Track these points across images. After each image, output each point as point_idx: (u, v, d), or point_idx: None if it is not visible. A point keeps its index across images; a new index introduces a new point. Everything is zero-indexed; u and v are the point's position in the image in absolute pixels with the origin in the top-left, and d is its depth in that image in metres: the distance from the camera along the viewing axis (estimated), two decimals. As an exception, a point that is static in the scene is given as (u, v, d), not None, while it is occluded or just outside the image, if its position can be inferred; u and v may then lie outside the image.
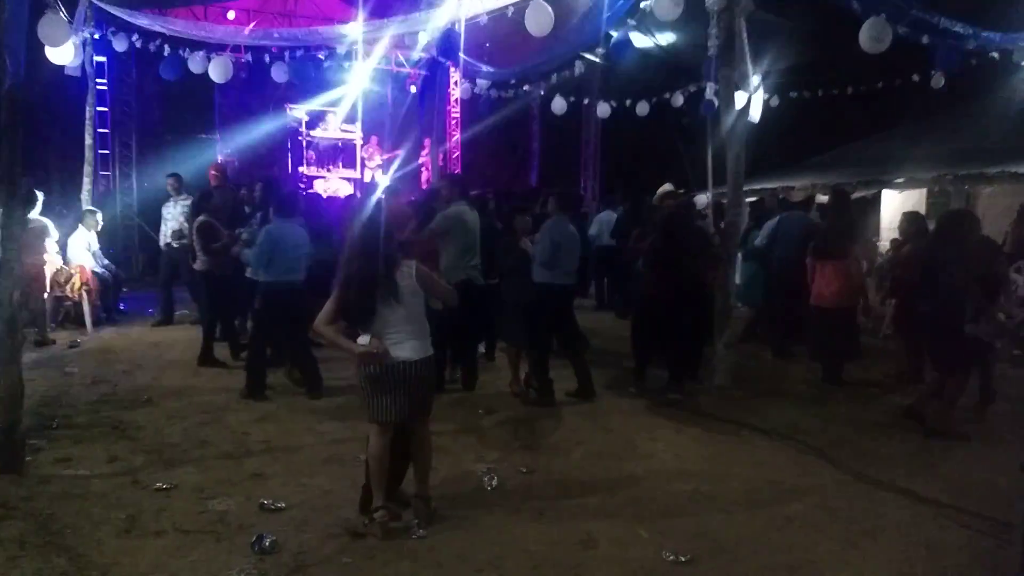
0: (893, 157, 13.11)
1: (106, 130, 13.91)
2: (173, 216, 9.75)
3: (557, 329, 6.91)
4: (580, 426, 6.05)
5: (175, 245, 9.52)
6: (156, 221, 12.19)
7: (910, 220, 7.55)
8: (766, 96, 13.19)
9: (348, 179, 17.46)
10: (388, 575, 3.67)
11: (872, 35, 7.19)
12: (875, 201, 12.98)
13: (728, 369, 7.05)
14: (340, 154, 18.34)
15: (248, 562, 3.74)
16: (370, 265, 3.95)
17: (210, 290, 7.65)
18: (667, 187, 8.53)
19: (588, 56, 13.27)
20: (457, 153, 18.76)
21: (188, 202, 9.13)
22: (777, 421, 6.22)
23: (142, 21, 11.39)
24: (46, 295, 8.43)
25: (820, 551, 4.01)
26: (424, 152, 18.99)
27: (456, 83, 17.24)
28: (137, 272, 13.69)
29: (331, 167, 18.07)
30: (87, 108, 12.84)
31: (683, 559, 3.86)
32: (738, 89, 7.40)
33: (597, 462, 5.29)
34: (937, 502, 4.61)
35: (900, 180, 12.54)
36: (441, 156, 15.61)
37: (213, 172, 9.75)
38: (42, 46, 8.96)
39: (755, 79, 8.31)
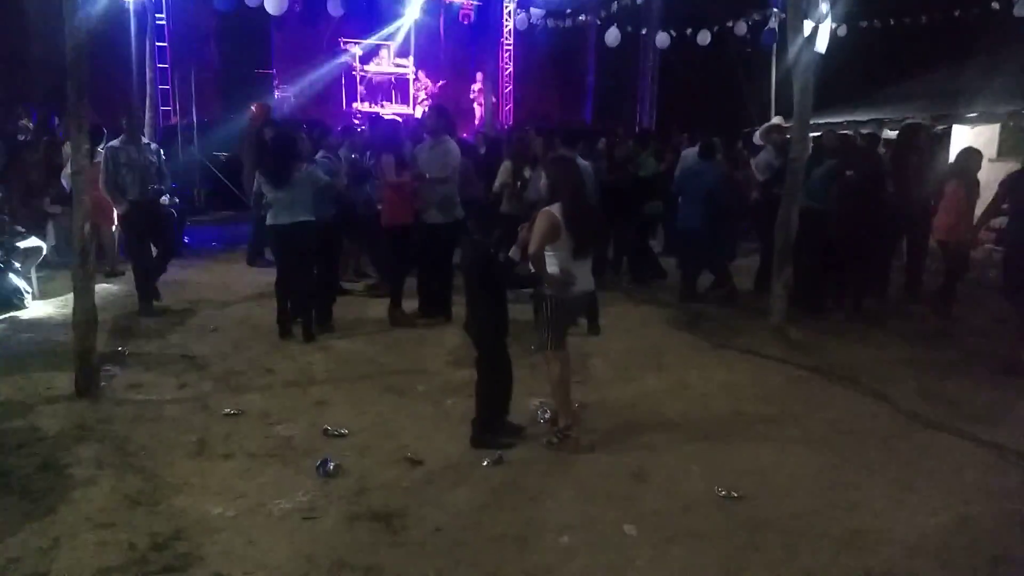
0: (966, 90, 12.45)
1: (166, 65, 14.09)
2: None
3: None
4: (632, 363, 6.07)
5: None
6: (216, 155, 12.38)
7: None
8: (834, 25, 12.57)
9: (400, 115, 17.46)
10: (446, 500, 3.79)
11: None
12: (944, 137, 12.38)
13: (784, 309, 6.93)
14: (393, 89, 18.30)
15: (314, 484, 3.91)
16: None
17: None
18: (776, 120, 8.36)
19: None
20: (510, 87, 18.48)
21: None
22: (836, 361, 6.15)
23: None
24: (114, 228, 8.67)
25: (876, 492, 4.00)
26: (476, 87, 18.77)
27: (510, 13, 16.89)
28: (200, 206, 14.00)
29: (384, 102, 18.05)
30: (146, 43, 12.98)
31: (735, 495, 3.89)
32: (806, 17, 7.06)
33: (650, 398, 5.32)
34: (999, 446, 4.54)
35: (972, 115, 11.93)
36: (493, 90, 15.41)
37: (252, 110, 9.94)
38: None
39: (823, 7, 7.93)
